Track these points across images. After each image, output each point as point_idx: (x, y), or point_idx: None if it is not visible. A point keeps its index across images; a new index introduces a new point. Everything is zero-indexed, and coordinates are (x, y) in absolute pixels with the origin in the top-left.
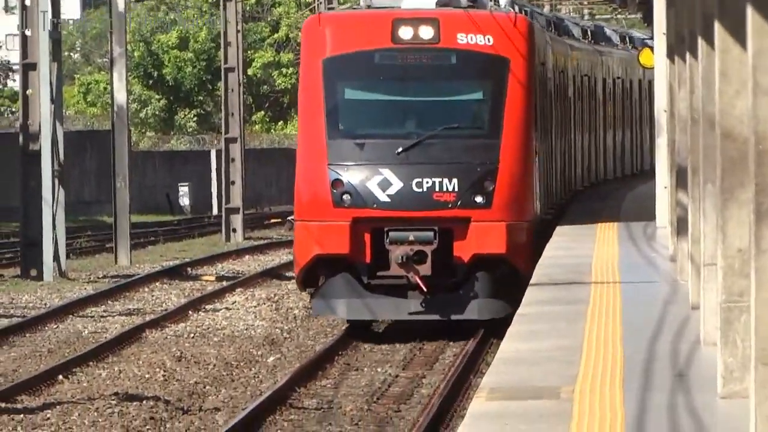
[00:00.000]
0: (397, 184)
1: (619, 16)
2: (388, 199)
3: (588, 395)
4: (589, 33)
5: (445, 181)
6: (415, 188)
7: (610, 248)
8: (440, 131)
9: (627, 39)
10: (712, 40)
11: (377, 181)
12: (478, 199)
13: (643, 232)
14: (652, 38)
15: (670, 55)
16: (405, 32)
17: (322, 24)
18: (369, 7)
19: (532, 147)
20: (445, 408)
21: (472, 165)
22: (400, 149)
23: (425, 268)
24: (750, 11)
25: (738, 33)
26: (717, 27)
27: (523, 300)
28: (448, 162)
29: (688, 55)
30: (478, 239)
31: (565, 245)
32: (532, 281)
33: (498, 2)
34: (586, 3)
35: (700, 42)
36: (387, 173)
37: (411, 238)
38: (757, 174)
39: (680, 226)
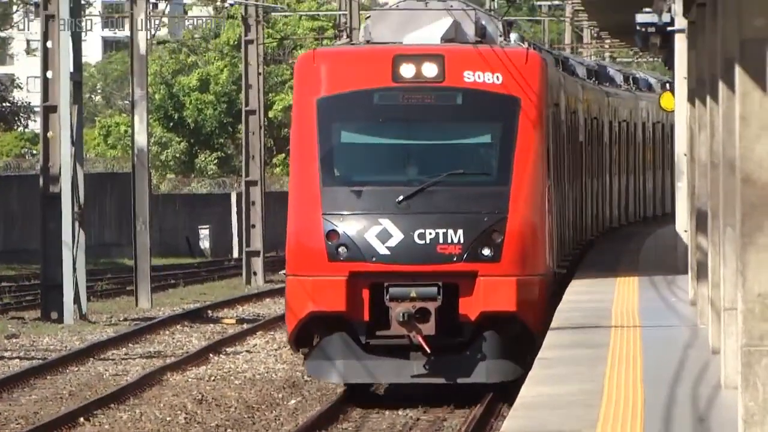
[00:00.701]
0: (397, 236)
1: (639, 59)
2: (387, 252)
3: None
4: (630, 79)
5: (450, 232)
6: (417, 240)
7: (629, 293)
8: (445, 178)
9: (631, 79)
10: (733, 84)
11: (376, 233)
12: (486, 251)
13: (663, 278)
14: (657, 79)
15: (691, 99)
16: (407, 70)
17: (317, 60)
18: (368, 42)
19: (544, 194)
20: None
21: (479, 215)
22: (400, 197)
23: (429, 327)
24: None
25: (758, 77)
26: (738, 71)
27: (544, 344)
28: (453, 211)
29: (708, 99)
30: (486, 295)
31: (584, 290)
32: (552, 325)
33: (508, 37)
34: (607, 47)
35: (721, 86)
36: (387, 224)
37: (413, 294)
38: None
39: (700, 271)
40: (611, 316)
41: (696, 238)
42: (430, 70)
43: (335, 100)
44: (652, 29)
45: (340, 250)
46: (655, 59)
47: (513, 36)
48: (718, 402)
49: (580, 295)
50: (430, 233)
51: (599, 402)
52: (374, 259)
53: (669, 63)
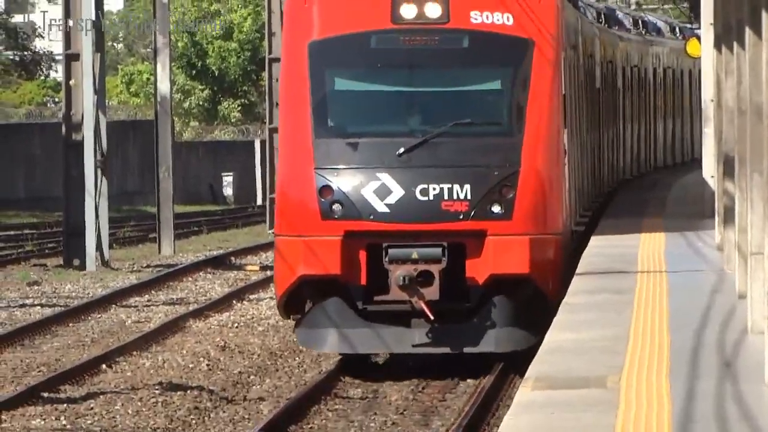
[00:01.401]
0: (397, 192)
1: (665, 6)
2: (387, 210)
3: (635, 384)
4: (640, 23)
5: (456, 187)
6: (419, 196)
7: (655, 238)
8: (450, 128)
9: (676, 29)
10: (760, 29)
11: (374, 188)
12: (496, 208)
13: (689, 223)
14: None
15: (717, 45)
16: (407, 10)
17: (308, 0)
18: None
19: (560, 145)
20: None
21: (488, 168)
22: (401, 150)
23: (432, 292)
24: None
25: None
26: (765, 16)
27: (569, 290)
28: (459, 165)
29: (735, 45)
30: (496, 256)
31: (610, 235)
32: (578, 270)
33: None
34: None
35: (748, 32)
36: (386, 178)
37: (415, 255)
38: None
39: (727, 216)
40: (637, 261)
41: (723, 183)
42: (433, 9)
43: (328, 44)
44: None
45: (334, 207)
46: (682, 6)
47: None
48: (744, 347)
49: (606, 240)
50: (434, 189)
51: (625, 347)
52: (372, 217)
53: (695, 10)
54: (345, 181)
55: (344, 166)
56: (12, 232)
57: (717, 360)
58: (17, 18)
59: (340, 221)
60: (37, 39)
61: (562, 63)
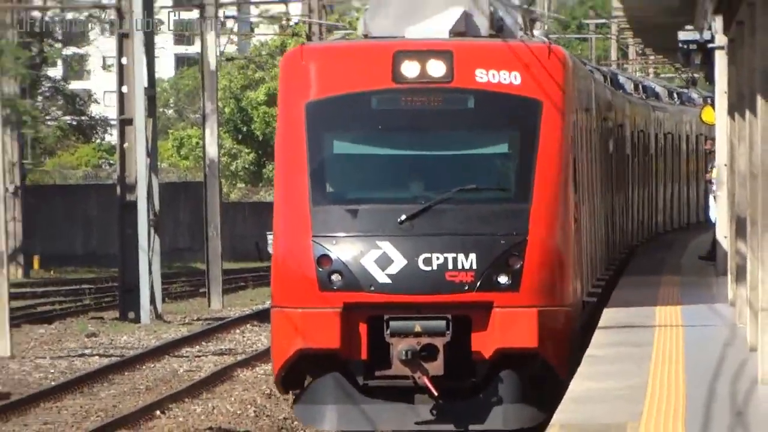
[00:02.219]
0: (399, 261)
1: (682, 75)
2: (388, 280)
3: (653, 431)
4: (640, 87)
5: (461, 256)
6: (422, 266)
7: (672, 293)
8: (454, 194)
9: (675, 94)
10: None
11: (375, 258)
12: (503, 279)
13: (704, 280)
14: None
15: (731, 112)
16: (410, 69)
17: (306, 58)
18: (366, 36)
19: (570, 212)
20: None
21: (494, 236)
22: (403, 217)
23: (436, 367)
24: None
25: None
26: None
27: (592, 342)
28: (464, 233)
29: (747, 113)
30: (503, 330)
31: (631, 290)
32: (600, 324)
33: (531, 32)
34: (651, 62)
35: (759, 100)
36: (387, 247)
37: (418, 328)
38: None
39: (739, 273)
40: (655, 315)
41: (735, 243)
42: (436, 68)
43: (327, 104)
44: (693, 46)
45: (333, 277)
46: (698, 75)
47: (537, 32)
48: (756, 396)
49: (627, 294)
50: (438, 258)
51: (644, 396)
52: (372, 288)
53: (710, 78)
54: (344, 250)
55: (343, 234)
56: (71, 287)
57: (730, 409)
58: (74, 85)
59: (339, 292)
60: (93, 104)
61: (573, 125)
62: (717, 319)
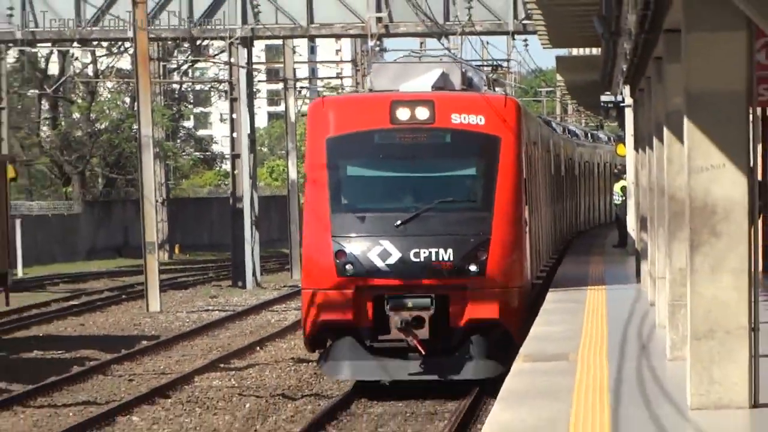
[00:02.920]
0: (396, 255)
1: (604, 122)
2: (388, 269)
3: (585, 359)
4: (567, 130)
5: (441, 251)
6: (413, 258)
7: (599, 267)
8: (436, 205)
9: (590, 135)
10: (662, 138)
11: (377, 252)
12: (472, 267)
13: (620, 259)
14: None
15: (636, 148)
16: (402, 113)
17: (326, 106)
18: (370, 90)
19: (522, 218)
20: None
21: (466, 236)
22: (398, 222)
23: (423, 332)
24: (686, 122)
25: (678, 134)
26: (665, 130)
27: (545, 300)
28: (443, 233)
29: (647, 148)
30: (473, 305)
31: (570, 266)
32: (551, 287)
33: (493, 88)
34: (583, 115)
35: (655, 140)
36: (387, 244)
37: (410, 304)
38: (690, 222)
39: (642, 254)
40: (587, 281)
41: (639, 234)
42: (422, 113)
43: (342, 140)
44: (611, 105)
45: (347, 267)
46: (613, 123)
47: (499, 90)
48: (654, 335)
49: (568, 268)
50: (424, 252)
51: (579, 336)
52: (376, 274)
53: (621, 125)
54: (355, 246)
55: (355, 235)
56: (200, 265)
57: (637, 344)
58: (201, 132)
59: (351, 278)
60: (214, 145)
61: (523, 154)
62: (628, 285)
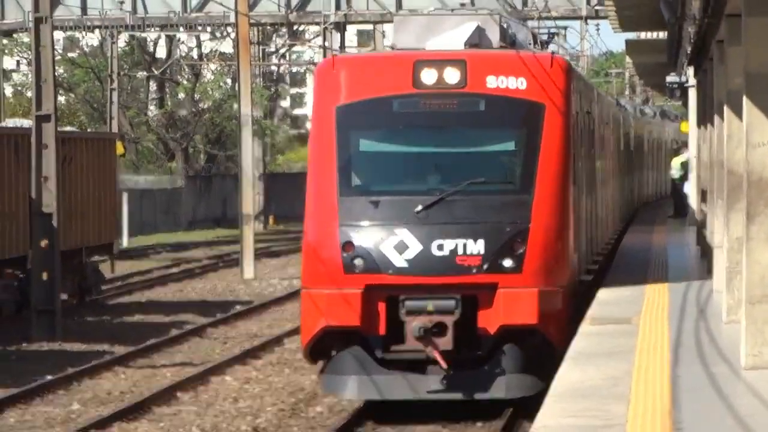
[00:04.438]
0: (415, 247)
1: (670, 102)
2: (405, 264)
3: (648, 322)
4: (637, 110)
5: (470, 242)
6: (435, 251)
7: (662, 235)
8: (465, 187)
9: (659, 113)
10: (722, 116)
11: (393, 244)
12: (507, 262)
13: (681, 227)
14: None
15: (698, 125)
16: (428, 76)
17: (336, 67)
18: (391, 48)
19: (569, 203)
20: None
21: (500, 224)
22: (419, 207)
23: (446, 342)
24: (745, 100)
25: (738, 113)
26: (725, 109)
27: (606, 279)
28: (473, 221)
29: (708, 126)
30: (507, 308)
31: (641, 229)
32: (614, 263)
33: (543, 45)
34: (650, 93)
35: (716, 118)
36: (404, 234)
37: (430, 307)
38: (747, 194)
39: (702, 224)
40: (651, 245)
41: (700, 204)
42: (452, 75)
43: (354, 108)
44: (676, 85)
45: (355, 261)
46: (677, 102)
47: (552, 47)
48: (711, 300)
49: (634, 236)
50: (449, 244)
51: (642, 301)
52: (391, 271)
53: (685, 104)
54: (366, 237)
55: (366, 223)
56: (292, 235)
57: (695, 308)
58: (297, 111)
59: (360, 275)
60: (308, 122)
61: (572, 125)
62: (689, 252)
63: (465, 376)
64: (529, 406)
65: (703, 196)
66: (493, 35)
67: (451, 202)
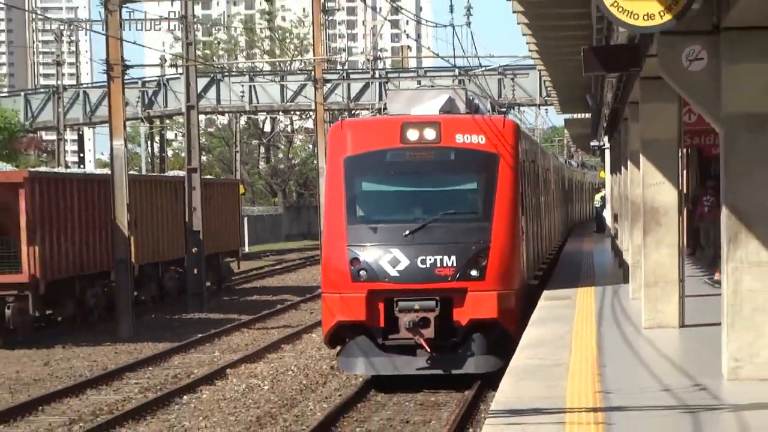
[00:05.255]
0: (404, 261)
1: (589, 157)
2: (397, 274)
3: (581, 300)
4: (567, 161)
5: (446, 258)
6: (419, 264)
7: (590, 244)
8: (441, 216)
9: (581, 164)
10: (627, 166)
11: (388, 259)
12: (473, 272)
13: (601, 240)
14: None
15: (611, 172)
16: (412, 134)
17: (344, 129)
18: (386, 113)
19: (518, 227)
20: None
21: (468, 244)
22: (407, 232)
23: (429, 332)
24: (641, 157)
25: (637, 164)
26: (629, 162)
27: (558, 262)
28: (447, 242)
29: (617, 173)
30: (474, 306)
31: (574, 244)
32: (556, 269)
33: (494, 110)
34: (580, 153)
35: (623, 168)
36: (396, 252)
37: (417, 306)
38: (644, 217)
39: (614, 236)
40: (582, 251)
41: (613, 223)
42: (430, 134)
43: (358, 158)
44: (596, 147)
45: (360, 273)
46: (598, 157)
47: (507, 118)
48: (622, 286)
49: (572, 244)
50: (430, 259)
51: (577, 285)
52: (387, 279)
53: (602, 159)
54: (368, 254)
55: (368, 244)
56: None
57: (612, 291)
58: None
59: (365, 283)
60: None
61: (520, 170)
62: (606, 254)
63: (444, 357)
64: (492, 380)
65: (615, 218)
66: (461, 104)
67: (431, 227)
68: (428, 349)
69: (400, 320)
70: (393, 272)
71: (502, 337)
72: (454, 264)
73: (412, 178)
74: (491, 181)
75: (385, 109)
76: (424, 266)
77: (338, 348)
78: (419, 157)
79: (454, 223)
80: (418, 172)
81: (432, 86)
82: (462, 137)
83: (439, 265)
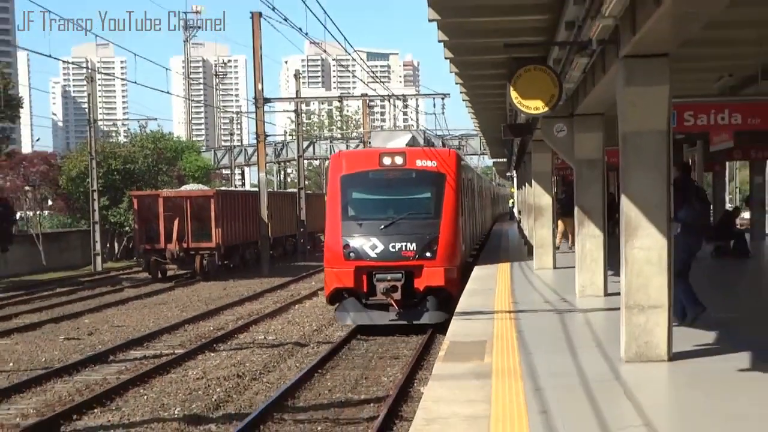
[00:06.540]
0: (380, 246)
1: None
2: (375, 255)
3: (501, 269)
4: (485, 177)
5: (409, 244)
6: (391, 249)
7: (503, 238)
8: (406, 216)
9: (497, 180)
10: (530, 184)
11: (369, 245)
12: (428, 254)
13: (516, 236)
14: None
15: (518, 188)
16: (387, 160)
17: (341, 156)
18: (370, 146)
19: (458, 223)
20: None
21: (424, 235)
22: (383, 226)
23: (397, 295)
24: (533, 182)
25: (531, 185)
26: (526, 185)
27: (474, 269)
28: (410, 234)
29: (521, 189)
30: (428, 277)
31: (496, 229)
32: (477, 263)
33: (444, 146)
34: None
35: (526, 186)
36: (375, 240)
37: (389, 278)
38: (535, 213)
39: (519, 222)
40: (500, 253)
41: (520, 222)
42: (399, 160)
43: (349, 176)
44: (509, 175)
45: (350, 254)
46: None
47: (451, 149)
48: (527, 258)
49: (497, 227)
50: (398, 245)
51: (496, 276)
52: (368, 259)
53: (512, 181)
54: (356, 242)
55: (356, 235)
56: None
57: (519, 263)
58: None
59: (353, 261)
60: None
61: (459, 184)
62: (515, 233)
63: (408, 312)
64: (440, 328)
65: (519, 212)
66: (421, 140)
67: (399, 223)
68: (397, 307)
69: (378, 287)
70: (372, 254)
71: (447, 299)
72: (415, 248)
73: (386, 189)
74: (440, 192)
75: (369, 143)
76: (394, 250)
77: (336, 305)
78: (391, 175)
79: (414, 220)
80: (390, 186)
81: (402, 129)
82: (421, 162)
83: (404, 249)
